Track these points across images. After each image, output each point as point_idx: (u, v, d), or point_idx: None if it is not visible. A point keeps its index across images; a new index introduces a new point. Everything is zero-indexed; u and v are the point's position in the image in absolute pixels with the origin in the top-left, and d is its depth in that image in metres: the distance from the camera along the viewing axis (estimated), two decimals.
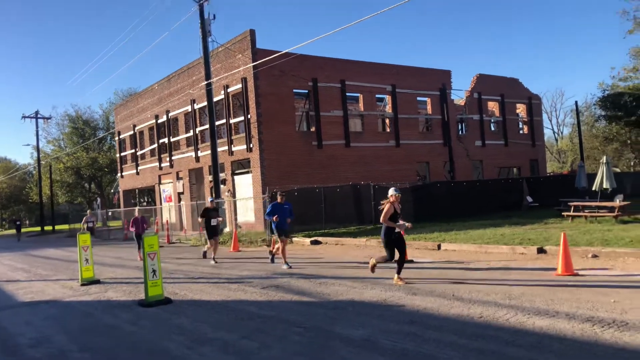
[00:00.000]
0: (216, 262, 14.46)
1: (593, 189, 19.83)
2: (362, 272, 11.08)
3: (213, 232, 14.86)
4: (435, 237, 16.14)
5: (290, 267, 12.24)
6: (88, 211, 30.07)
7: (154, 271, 8.91)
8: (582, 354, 5.03)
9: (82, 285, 11.84)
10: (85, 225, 26.47)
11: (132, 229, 17.40)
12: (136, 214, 17.79)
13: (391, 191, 9.54)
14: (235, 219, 24.48)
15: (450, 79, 33.10)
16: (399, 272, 9.33)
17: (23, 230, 50.13)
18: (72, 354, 6.21)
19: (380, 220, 9.47)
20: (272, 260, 13.58)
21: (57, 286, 12.17)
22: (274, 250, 13.61)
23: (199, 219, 15.64)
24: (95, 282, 12.11)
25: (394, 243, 9.42)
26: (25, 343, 6.88)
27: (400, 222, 9.38)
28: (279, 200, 13.16)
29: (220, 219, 15.49)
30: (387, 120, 32.16)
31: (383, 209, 9.39)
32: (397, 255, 9.51)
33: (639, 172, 39.38)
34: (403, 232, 9.50)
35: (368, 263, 10.33)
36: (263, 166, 24.75)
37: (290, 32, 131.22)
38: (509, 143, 36.18)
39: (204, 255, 15.68)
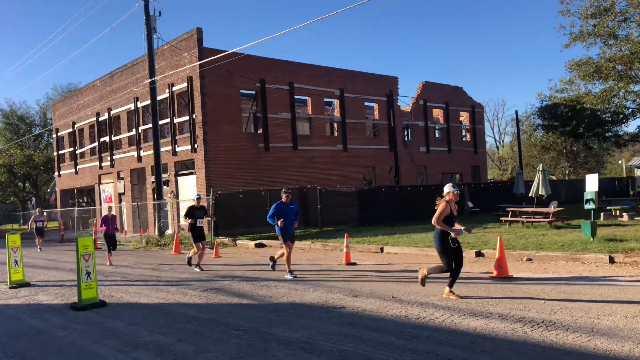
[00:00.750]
0: (201, 270, 12.58)
1: (530, 195, 20.69)
2: (305, 274, 11.08)
3: (199, 235, 12.93)
4: (378, 240, 16.36)
5: (295, 277, 10.55)
6: (37, 209, 25.84)
7: (88, 273, 8.56)
8: (512, 353, 5.20)
9: (11, 288, 11.23)
10: (34, 225, 22.69)
11: (102, 229, 15.57)
12: (106, 211, 16.16)
13: (448, 187, 8.24)
14: (178, 221, 23.94)
15: (397, 86, 33.73)
16: (450, 285, 7.96)
17: None
18: None
19: (433, 222, 8.03)
20: (273, 268, 11.82)
21: None
22: (276, 257, 11.86)
23: (184, 220, 13.22)
24: (25, 284, 11.51)
25: (453, 251, 8.00)
26: None
27: (457, 226, 8.12)
28: (283, 199, 11.26)
29: (208, 218, 14.12)
30: (335, 124, 32.38)
31: (437, 208, 8.07)
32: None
33: (573, 180, 41.43)
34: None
35: (320, 265, 10.29)
36: (208, 167, 24.34)
37: (238, 32, 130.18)
38: (452, 150, 37.23)
39: (189, 262, 13.22)
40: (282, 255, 11.26)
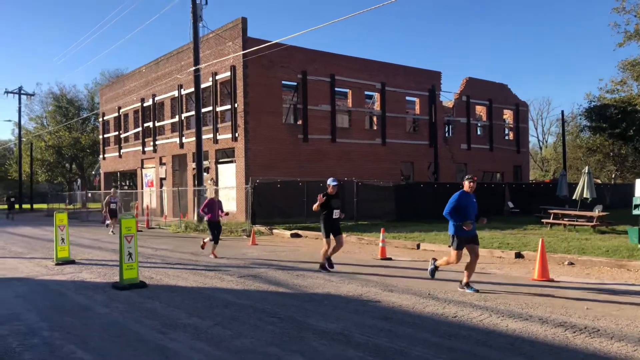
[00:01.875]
0: (329, 269, 10.44)
1: (573, 198, 20.08)
2: (340, 266, 11.08)
3: (334, 229, 10.49)
4: (415, 236, 16.21)
5: (477, 291, 8.18)
6: (112, 189, 23.93)
7: (130, 254, 8.80)
8: (552, 358, 5.06)
9: (57, 264, 11.67)
10: (107, 207, 21.24)
11: (207, 216, 13.24)
12: (210, 194, 13.76)
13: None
14: None
15: (440, 81, 33.23)
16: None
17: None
18: (41, 332, 6.10)
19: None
20: (432, 274, 9.33)
21: (31, 264, 11.98)
22: (439, 263, 9.20)
23: (316, 209, 10.49)
24: (70, 262, 11.94)
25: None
26: None
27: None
28: (466, 187, 8.63)
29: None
30: (374, 118, 32.18)
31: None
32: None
33: (619, 184, 39.99)
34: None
35: (353, 258, 10.27)
36: (247, 156, 24.62)
37: (282, 23, 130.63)
38: (494, 148, 36.48)
39: (322, 267, 10.45)
40: (449, 262, 8.75)
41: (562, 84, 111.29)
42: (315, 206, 10.46)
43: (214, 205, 13.28)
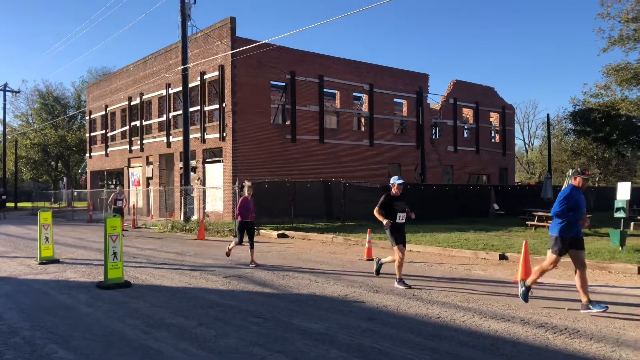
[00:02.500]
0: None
1: None
2: (326, 267, 11.13)
3: (401, 236, 9.08)
4: None
5: (607, 308, 6.94)
6: (117, 187, 23.27)
7: (114, 253, 8.76)
8: (533, 358, 5.15)
9: (41, 264, 11.57)
10: (112, 206, 20.90)
11: (239, 217, 11.71)
12: (246, 192, 11.91)
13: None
14: (204, 208, 24.25)
15: (428, 83, 33.42)
16: None
17: None
18: (23, 332, 6.06)
19: None
20: (526, 298, 7.41)
21: (14, 263, 11.86)
22: (534, 278, 7.54)
23: (376, 213, 9.01)
24: (54, 261, 11.85)
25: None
26: None
27: None
28: (576, 182, 7.45)
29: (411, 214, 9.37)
30: (362, 119, 32.29)
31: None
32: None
33: (603, 187, 40.48)
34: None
35: (340, 259, 10.28)
36: (235, 156, 24.57)
37: (271, 23, 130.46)
38: (480, 150, 36.78)
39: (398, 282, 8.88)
40: (544, 270, 7.44)
41: (548, 88, 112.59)
42: (375, 210, 8.95)
43: (248, 205, 11.80)
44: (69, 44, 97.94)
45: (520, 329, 6.14)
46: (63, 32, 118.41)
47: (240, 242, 11.76)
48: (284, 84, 27.39)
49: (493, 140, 39.50)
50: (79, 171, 59.13)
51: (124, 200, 20.88)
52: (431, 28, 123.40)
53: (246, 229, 11.69)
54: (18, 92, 53.08)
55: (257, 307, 7.26)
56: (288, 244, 16.31)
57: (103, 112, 37.77)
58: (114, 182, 45.83)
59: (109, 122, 37.39)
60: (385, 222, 8.78)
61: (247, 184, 11.98)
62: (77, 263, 11.88)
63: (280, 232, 18.91)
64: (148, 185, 32.28)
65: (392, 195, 9.07)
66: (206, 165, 27.08)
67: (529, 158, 73.24)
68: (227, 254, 12.21)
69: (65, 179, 58.40)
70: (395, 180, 9.19)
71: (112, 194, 21.55)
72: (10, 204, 50.34)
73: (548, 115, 43.52)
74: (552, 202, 24.18)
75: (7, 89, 50.34)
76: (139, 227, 24.19)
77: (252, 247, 11.69)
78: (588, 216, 17.91)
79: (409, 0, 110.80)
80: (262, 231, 19.53)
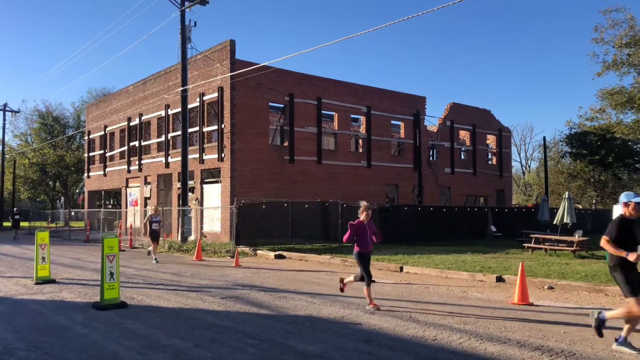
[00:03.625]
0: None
1: (555, 222, 20.38)
2: (323, 288, 11.11)
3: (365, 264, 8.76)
4: (398, 259, 16.29)
5: None
6: (152, 207, 19.71)
7: (111, 274, 8.76)
8: None
9: (37, 284, 11.53)
10: (148, 228, 17.41)
11: (356, 247, 8.96)
12: (361, 214, 9.07)
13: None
14: (201, 228, 24.22)
15: (425, 105, 33.73)
16: None
17: None
18: (18, 352, 6.04)
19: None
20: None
21: (9, 283, 11.81)
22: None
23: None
24: (50, 281, 11.80)
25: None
26: None
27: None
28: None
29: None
30: (360, 141, 32.48)
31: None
32: None
33: (600, 209, 40.59)
34: None
35: (336, 280, 10.24)
36: (233, 177, 24.64)
37: (270, 46, 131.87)
38: (477, 172, 36.94)
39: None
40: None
41: (544, 111, 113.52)
42: (604, 240, 6.38)
43: (364, 230, 8.95)
44: (70, 64, 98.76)
45: (517, 352, 6.14)
46: (64, 53, 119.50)
47: (369, 278, 8.82)
48: (282, 105, 27.63)
49: (490, 163, 39.71)
50: (77, 191, 59.11)
51: (160, 222, 17.58)
52: (428, 52, 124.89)
53: (365, 259, 8.90)
54: (18, 112, 53.34)
55: (254, 329, 7.25)
56: (285, 265, 16.27)
57: (102, 132, 37.93)
58: (111, 202, 45.77)
59: (108, 142, 37.53)
60: (630, 256, 6.12)
61: (363, 204, 9.25)
62: (74, 283, 11.84)
63: (277, 252, 18.88)
64: (146, 205, 32.24)
65: (627, 220, 6.42)
66: (204, 186, 27.13)
67: (525, 180, 73.47)
68: (342, 290, 9.67)
69: (62, 198, 58.37)
70: (634, 199, 6.41)
71: (148, 215, 18.04)
72: (7, 224, 50.23)
73: (544, 138, 43.88)
74: (549, 224, 24.13)
75: (7, 108, 50.62)
76: (136, 248, 24.10)
77: (369, 283, 8.80)
78: (585, 238, 18.02)
79: (405, 25, 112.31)
80: (259, 252, 19.50)
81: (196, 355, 5.96)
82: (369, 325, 7.54)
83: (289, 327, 7.40)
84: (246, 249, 19.85)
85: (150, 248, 17.39)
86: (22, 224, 50.67)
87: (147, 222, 17.50)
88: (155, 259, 16.77)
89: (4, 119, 50.54)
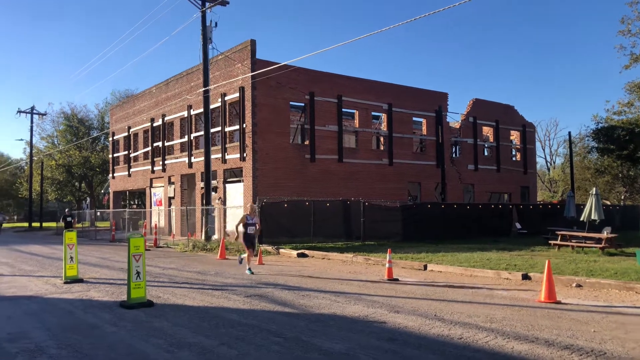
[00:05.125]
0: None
1: (581, 219, 19.99)
2: (346, 287, 11.10)
3: None
4: (422, 257, 16.18)
5: None
6: (248, 205, 15.92)
7: (138, 273, 8.88)
8: None
9: (65, 283, 11.76)
10: (243, 231, 14.04)
11: None
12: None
13: None
14: (224, 227, 24.42)
15: (447, 102, 33.42)
16: None
17: (6, 225, 49.78)
18: (49, 350, 6.17)
19: None
20: None
21: (40, 282, 12.08)
22: None
23: None
24: (78, 280, 12.02)
25: None
26: (2, 337, 6.81)
27: None
28: None
29: None
30: (381, 138, 32.34)
31: None
32: None
33: (628, 205, 39.71)
34: None
35: (360, 279, 10.26)
36: (255, 176, 24.77)
37: (289, 44, 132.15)
38: (501, 169, 36.46)
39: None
40: None
41: (569, 106, 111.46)
42: None
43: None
44: (93, 67, 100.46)
45: (545, 351, 6.04)
46: (88, 56, 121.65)
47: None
48: (303, 104, 27.66)
49: (514, 159, 39.16)
50: (102, 191, 60.14)
51: (257, 224, 14.26)
52: (450, 47, 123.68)
53: None
54: (44, 114, 54.51)
55: (278, 327, 7.28)
56: (308, 264, 16.30)
57: (126, 134, 38.50)
58: (136, 202, 46.45)
59: (132, 143, 38.08)
60: None
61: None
62: (101, 282, 12.05)
63: (299, 251, 18.93)
64: (170, 205, 32.66)
65: None
66: (227, 185, 27.34)
67: (551, 176, 72.25)
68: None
69: (88, 199, 59.44)
70: None
71: (242, 215, 14.53)
72: (35, 224, 51.43)
73: (570, 133, 43.18)
74: (576, 221, 23.77)
75: (34, 111, 51.78)
76: (161, 247, 24.44)
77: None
78: (614, 235, 17.65)
79: (427, 21, 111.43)
80: (282, 250, 19.57)
81: (222, 353, 6.00)
82: (393, 323, 7.50)
83: (313, 325, 7.41)
84: (269, 248, 19.94)
85: (244, 256, 14.07)
86: (49, 224, 52.01)
87: (242, 223, 14.00)
88: (249, 268, 13.57)
89: (32, 122, 51.76)
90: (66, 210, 33.73)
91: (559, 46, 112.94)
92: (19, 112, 51.07)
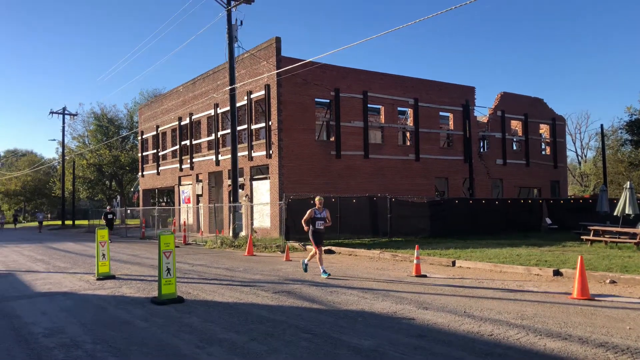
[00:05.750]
0: None
1: (615, 214, 19.52)
2: (374, 283, 11.07)
3: None
4: (450, 253, 16.03)
5: None
6: (316, 198, 12.79)
7: (168, 270, 9.02)
8: None
9: (98, 279, 12.04)
10: (311, 227, 12.37)
11: None
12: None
13: None
14: (252, 224, 24.62)
15: (474, 96, 32.97)
16: None
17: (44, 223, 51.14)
18: (85, 345, 6.32)
19: None
20: None
21: (74, 279, 12.38)
22: None
23: None
24: (110, 277, 12.29)
25: None
26: (39, 332, 7.02)
27: None
28: None
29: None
30: (407, 134, 32.11)
31: None
32: None
33: None
34: None
35: (387, 275, 10.23)
36: (281, 173, 24.89)
37: (314, 40, 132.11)
38: (530, 163, 35.82)
39: None
40: None
41: (600, 97, 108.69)
42: None
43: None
44: (122, 67, 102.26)
45: (579, 348, 5.93)
46: (116, 56, 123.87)
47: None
48: (328, 100, 27.64)
49: (543, 153, 38.40)
50: (132, 189, 61.25)
51: (327, 219, 12.46)
52: (477, 40, 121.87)
53: None
54: (75, 115, 55.72)
55: (307, 323, 7.31)
56: (335, 260, 16.32)
57: (154, 132, 39.11)
58: (165, 200, 47.16)
59: (160, 141, 38.66)
60: None
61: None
62: (132, 279, 12.29)
63: (326, 247, 18.93)
64: (198, 202, 33.08)
65: None
66: (253, 182, 27.55)
67: (582, 170, 70.62)
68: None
69: (118, 197, 60.60)
70: None
71: (310, 210, 12.47)
72: (68, 222, 52.74)
73: (602, 125, 42.12)
74: (609, 216, 23.18)
75: (65, 112, 53.01)
76: (190, 244, 24.78)
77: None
78: None
79: (453, 14, 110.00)
80: (308, 247, 19.63)
81: (252, 349, 6.06)
82: (422, 320, 7.46)
83: (342, 321, 7.42)
84: (296, 244, 20.03)
85: (307, 260, 12.50)
86: (81, 222, 53.24)
87: (310, 220, 12.29)
88: (324, 270, 11.97)
89: (64, 122, 53.01)
90: (107, 207, 32.59)
91: (590, 36, 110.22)
92: (51, 113, 52.33)
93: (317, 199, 12.61)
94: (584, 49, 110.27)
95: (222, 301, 9.17)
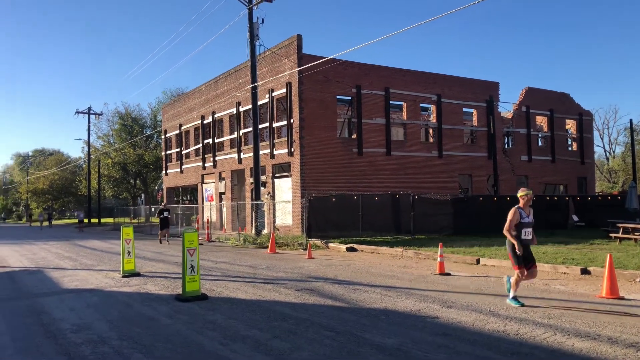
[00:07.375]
0: None
1: None
2: (397, 281, 11.00)
3: None
4: (474, 251, 15.84)
5: None
6: (524, 192, 8.70)
7: (192, 267, 9.10)
8: None
9: (124, 276, 12.21)
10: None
11: None
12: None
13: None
14: (274, 222, 24.70)
15: (498, 91, 32.50)
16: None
17: (68, 221, 52.12)
18: (111, 341, 6.42)
19: None
20: None
21: (100, 276, 12.59)
22: None
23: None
24: (135, 274, 12.46)
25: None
26: (67, 328, 7.15)
27: None
28: None
29: None
30: (430, 130, 31.83)
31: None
32: None
33: None
34: None
35: (410, 273, 10.15)
36: (303, 171, 24.91)
37: (335, 38, 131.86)
38: (556, 159, 35.18)
39: None
40: None
41: (629, 91, 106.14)
42: None
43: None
44: (146, 67, 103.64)
45: (609, 349, 5.79)
46: (140, 56, 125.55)
47: None
48: (349, 97, 27.55)
49: (570, 149, 37.68)
50: (156, 188, 62.04)
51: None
52: (501, 34, 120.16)
53: None
54: (100, 114, 56.68)
55: (329, 321, 7.29)
56: (357, 258, 16.27)
57: (177, 131, 39.53)
58: (188, 198, 47.67)
59: (183, 140, 39.08)
60: None
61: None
62: (157, 276, 12.44)
63: (348, 245, 18.91)
64: (221, 200, 33.36)
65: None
66: (275, 180, 27.64)
67: (610, 166, 69.09)
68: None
69: (143, 195, 61.48)
70: None
71: (513, 210, 8.91)
72: (94, 220, 53.71)
73: (631, 120, 41.10)
74: (638, 212, 22.62)
75: (91, 112, 53.96)
76: (213, 241, 24.99)
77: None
78: None
79: (477, 8, 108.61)
80: (330, 244, 19.62)
81: (275, 346, 6.07)
82: (446, 319, 7.38)
83: (365, 319, 7.39)
84: (318, 242, 20.03)
85: (512, 284, 8.53)
86: (107, 219, 54.14)
87: (517, 224, 8.69)
88: (515, 297, 8.43)
89: (89, 122, 53.98)
90: (162, 204, 29.99)
91: (617, 27, 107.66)
92: (77, 112, 53.33)
93: (521, 193, 8.80)
94: (611, 41, 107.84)
95: (245, 298, 9.22)
